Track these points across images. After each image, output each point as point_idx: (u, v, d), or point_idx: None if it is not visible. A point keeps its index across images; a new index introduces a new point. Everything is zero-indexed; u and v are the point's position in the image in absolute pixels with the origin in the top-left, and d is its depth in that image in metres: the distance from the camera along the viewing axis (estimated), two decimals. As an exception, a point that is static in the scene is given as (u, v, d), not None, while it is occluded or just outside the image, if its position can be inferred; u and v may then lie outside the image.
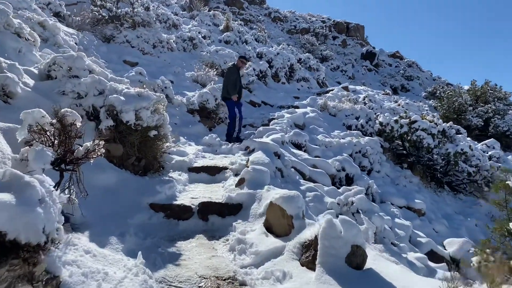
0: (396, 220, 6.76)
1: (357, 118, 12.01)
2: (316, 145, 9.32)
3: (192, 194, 4.56)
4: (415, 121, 10.58)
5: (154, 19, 14.35)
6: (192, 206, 3.88)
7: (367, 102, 14.28)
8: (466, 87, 33.54)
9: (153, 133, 4.97)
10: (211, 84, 10.21)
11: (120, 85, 5.06)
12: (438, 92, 33.08)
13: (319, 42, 38.56)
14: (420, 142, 10.35)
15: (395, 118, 10.98)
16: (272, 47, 19.90)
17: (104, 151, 2.89)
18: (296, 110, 11.47)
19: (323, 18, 52.00)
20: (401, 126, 10.71)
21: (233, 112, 8.57)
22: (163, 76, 9.75)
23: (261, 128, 9.13)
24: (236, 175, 5.77)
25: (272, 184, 4.79)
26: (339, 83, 31.50)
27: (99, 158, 4.50)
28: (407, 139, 10.70)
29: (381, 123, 11.18)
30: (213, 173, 5.78)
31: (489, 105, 26.23)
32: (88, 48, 9.96)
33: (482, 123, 24.11)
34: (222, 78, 13.40)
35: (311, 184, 6.24)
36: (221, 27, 20.21)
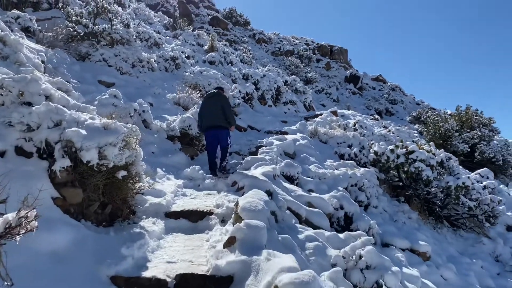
0: (404, 270, 5.91)
1: (349, 146, 11.28)
2: (309, 177, 8.49)
3: (169, 254, 3.61)
4: (412, 151, 9.88)
5: (134, 37, 13.51)
6: (168, 280, 2.92)
7: (358, 128, 13.62)
8: (449, 112, 33.64)
9: (122, 173, 4.04)
10: (194, 108, 9.35)
11: (84, 115, 4.14)
12: (423, 116, 33.02)
13: (303, 64, 38.37)
14: (419, 174, 9.63)
15: (391, 147, 10.27)
16: (258, 68, 19.26)
17: (36, 225, 1.95)
18: (286, 136, 10.67)
19: (307, 40, 52.18)
20: (398, 156, 10.00)
21: (228, 142, 7.72)
22: (141, 99, 8.84)
23: (248, 158, 8.26)
24: (222, 221, 4.86)
25: (269, 238, 3.88)
26: (324, 105, 31.11)
27: (51, 208, 3.54)
28: (404, 170, 9.98)
29: (376, 153, 10.46)
30: (195, 219, 4.84)
31: (474, 131, 26.11)
32: (57, 67, 9.00)
33: (469, 149, 23.87)
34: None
35: (310, 231, 5.36)
36: (205, 47, 19.51)
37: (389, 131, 15.64)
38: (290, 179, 7.92)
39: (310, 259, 4.55)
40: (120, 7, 15.36)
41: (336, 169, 9.47)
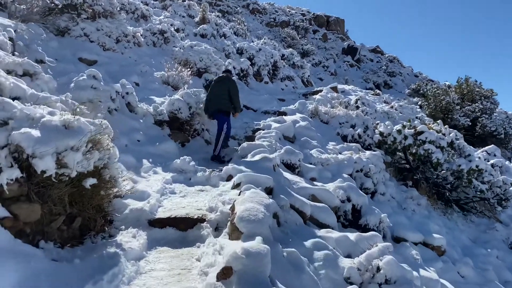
0: (422, 272, 5.27)
1: (352, 127, 10.53)
2: (311, 164, 7.77)
3: (149, 285, 2.90)
4: (421, 132, 9.16)
5: (119, 8, 12.43)
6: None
7: (360, 105, 12.83)
8: (448, 84, 32.80)
9: (90, 182, 3.27)
10: (184, 88, 8.50)
11: (41, 109, 3.33)
12: (422, 89, 32.19)
13: (299, 36, 37.05)
14: (428, 157, 8.94)
15: (397, 127, 9.53)
16: (252, 41, 18.20)
17: None
18: (284, 117, 9.87)
19: (302, 11, 50.48)
20: (405, 138, 9.28)
21: (223, 127, 7.63)
22: (124, 79, 7.96)
23: (245, 144, 7.50)
24: (216, 229, 4.15)
25: (273, 256, 3.15)
26: (321, 79, 30.14)
27: (-3, 232, 2.81)
28: (411, 153, 9.28)
29: (381, 133, 9.72)
30: (184, 227, 4.11)
31: (476, 104, 25.40)
32: (30, 44, 8.04)
33: (470, 123, 23.24)
34: (198, 79, 11.70)
35: (318, 233, 4.70)
36: (196, 19, 18.36)
37: (392, 107, 14.88)
38: (291, 167, 7.20)
39: (320, 273, 3.88)
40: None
41: (340, 153, 8.76)
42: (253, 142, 7.69)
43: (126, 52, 11.37)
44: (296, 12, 48.33)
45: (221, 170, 5.98)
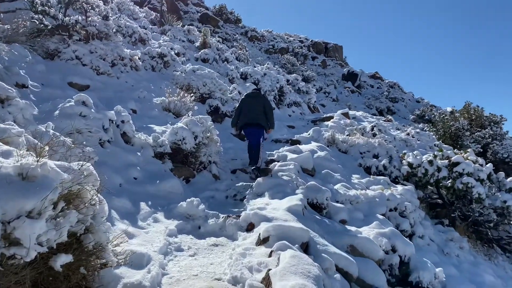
0: None
1: (375, 156, 9.42)
2: (338, 202, 6.62)
3: None
4: (457, 163, 8.06)
5: (115, 30, 11.47)
6: None
7: (376, 132, 11.78)
8: (449, 109, 32.04)
9: (61, 261, 2.10)
10: (188, 115, 7.39)
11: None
12: (427, 115, 31.43)
13: (299, 62, 36.49)
14: (467, 191, 7.81)
15: (428, 158, 8.43)
16: (255, 67, 17.32)
17: None
18: (300, 146, 8.76)
19: (300, 38, 50.34)
20: (439, 169, 8.17)
21: (260, 141, 7.49)
22: (119, 106, 6.87)
23: (260, 180, 6.40)
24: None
25: None
26: (323, 105, 29.26)
27: None
28: (446, 186, 8.15)
29: (410, 165, 8.61)
30: (199, 312, 2.91)
31: (486, 130, 24.55)
32: (11, 66, 6.98)
33: (481, 150, 22.28)
34: (201, 105, 10.64)
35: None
36: (197, 44, 17.52)
37: (408, 134, 13.84)
38: (317, 208, 6.04)
39: None
40: (101, 1, 13.31)
41: (367, 188, 7.62)
42: (269, 177, 6.56)
43: (122, 77, 10.34)
44: (294, 39, 48.14)
45: (238, 216, 4.79)
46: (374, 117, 16.96)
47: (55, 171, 2.07)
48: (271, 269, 3.05)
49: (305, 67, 36.19)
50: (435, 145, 14.05)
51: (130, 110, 8.37)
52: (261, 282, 3.06)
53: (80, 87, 8.79)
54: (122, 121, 6.63)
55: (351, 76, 40.03)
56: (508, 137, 27.31)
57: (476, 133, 23.60)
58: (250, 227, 4.49)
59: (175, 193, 5.75)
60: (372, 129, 12.04)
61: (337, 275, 3.73)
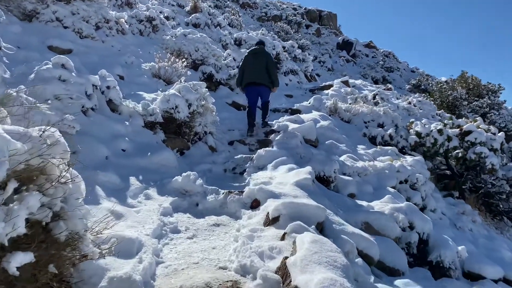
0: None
1: (380, 126, 8.89)
2: (345, 175, 6.13)
3: None
4: (469, 132, 7.57)
5: (98, -10, 10.55)
6: None
7: (379, 101, 11.22)
8: (444, 79, 31.64)
9: (17, 262, 1.53)
10: (180, 81, 6.71)
11: None
12: (423, 84, 30.88)
13: (293, 30, 35.37)
14: (479, 162, 7.35)
15: (438, 127, 7.92)
16: (249, 33, 16.45)
17: None
18: (301, 116, 8.17)
19: (294, 5, 48.73)
20: (449, 139, 7.68)
21: (268, 98, 7.76)
22: (104, 70, 6.16)
23: (262, 151, 5.83)
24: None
25: None
26: (318, 75, 28.45)
27: None
28: (456, 157, 7.68)
29: (418, 134, 8.10)
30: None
31: (484, 99, 24.18)
32: (-21, 25, 6.22)
33: (477, 119, 21.94)
34: (194, 72, 9.94)
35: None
36: (187, 8, 16.53)
37: (409, 103, 13.30)
38: (325, 181, 5.53)
39: None
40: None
41: (374, 159, 7.12)
42: (272, 149, 6.00)
43: (108, 41, 9.53)
44: (287, 7, 46.61)
45: (241, 192, 4.24)
46: (374, 85, 16.35)
47: (4, 137, 1.47)
48: (287, 257, 2.53)
49: (299, 35, 35.11)
50: (437, 114, 13.57)
51: (117, 76, 7.66)
52: (276, 273, 2.55)
53: (61, 51, 8.00)
54: (108, 87, 5.95)
55: (346, 45, 39.08)
56: (505, 107, 27.06)
57: (473, 103, 23.24)
58: (255, 204, 3.95)
59: (169, 167, 5.18)
60: (374, 98, 11.47)
61: (359, 260, 3.25)
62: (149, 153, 5.20)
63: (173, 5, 16.48)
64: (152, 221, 3.47)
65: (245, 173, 5.65)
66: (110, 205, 3.52)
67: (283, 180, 4.46)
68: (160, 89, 7.51)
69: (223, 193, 4.27)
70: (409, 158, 7.06)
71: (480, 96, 24.56)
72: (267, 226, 3.33)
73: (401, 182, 6.53)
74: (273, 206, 3.36)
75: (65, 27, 8.95)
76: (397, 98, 15.85)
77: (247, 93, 7.59)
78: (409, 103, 13.18)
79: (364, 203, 5.20)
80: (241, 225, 3.51)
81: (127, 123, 5.69)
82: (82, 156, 4.43)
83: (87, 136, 4.79)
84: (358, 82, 15.51)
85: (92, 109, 5.42)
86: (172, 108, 6.17)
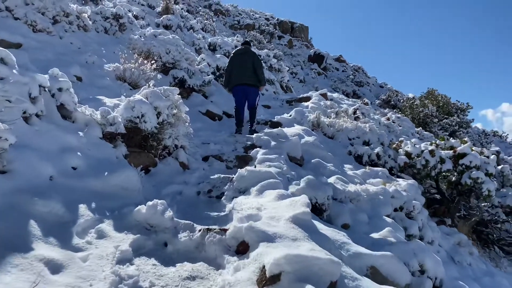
0: None
1: (366, 143, 8.22)
2: (337, 200, 5.35)
3: None
4: (464, 155, 7.01)
5: (58, -20, 9.39)
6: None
7: (360, 116, 10.63)
8: (411, 95, 32.16)
9: None
10: (148, 86, 5.74)
11: None
12: (393, 100, 31.06)
13: (265, 40, 34.88)
14: (474, 187, 6.80)
15: (429, 147, 7.34)
16: (224, 38, 15.62)
17: None
18: (284, 130, 7.36)
19: (266, 15, 48.44)
20: (442, 161, 7.10)
21: (256, 102, 7.69)
22: (57, 69, 5.10)
23: (244, 171, 4.95)
24: None
25: None
26: (292, 86, 28.06)
27: None
28: (449, 181, 7.11)
29: (408, 155, 7.48)
30: None
31: (453, 117, 24.48)
32: None
33: (449, 137, 22.08)
34: (164, 76, 8.97)
35: None
36: (158, 9, 15.51)
37: (388, 119, 12.83)
38: (317, 209, 4.73)
39: None
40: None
41: (364, 182, 6.40)
42: (255, 169, 5.14)
43: (67, 37, 8.41)
44: (260, 16, 46.28)
45: (223, 230, 3.33)
46: (351, 99, 15.88)
47: None
48: None
49: (272, 45, 34.65)
50: (416, 132, 13.21)
51: (74, 77, 6.62)
52: None
53: (8, 44, 6.87)
54: (60, 89, 4.90)
55: (318, 58, 39.00)
56: (472, 125, 27.63)
57: (443, 120, 23.41)
58: (242, 249, 3.07)
59: (130, 190, 4.20)
60: (355, 112, 10.88)
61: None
62: (106, 173, 4.20)
63: (143, 4, 15.43)
64: (104, 276, 2.52)
65: (224, 197, 4.78)
66: (44, 252, 2.55)
67: (275, 212, 3.60)
68: (124, 94, 6.52)
69: (199, 231, 3.35)
70: (402, 182, 6.39)
71: (449, 114, 24.85)
72: (263, 286, 2.45)
73: (395, 210, 5.83)
74: (272, 259, 2.48)
75: (16, 18, 7.81)
76: (382, 114, 15.45)
77: (234, 94, 7.59)
78: (388, 119, 12.71)
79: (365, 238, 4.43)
80: (226, 282, 2.61)
81: (81, 133, 4.67)
82: (17, 177, 3.43)
83: (27, 150, 3.77)
84: (335, 95, 14.98)
85: (37, 115, 4.38)
86: (138, 117, 5.19)
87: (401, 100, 29.18)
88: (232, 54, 7.81)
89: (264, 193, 4.43)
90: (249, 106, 7.60)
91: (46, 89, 4.67)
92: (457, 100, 25.37)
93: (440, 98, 25.32)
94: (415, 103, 23.68)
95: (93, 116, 5.03)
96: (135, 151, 5.15)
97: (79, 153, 4.29)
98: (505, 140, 31.44)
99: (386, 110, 28.34)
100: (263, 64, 8.42)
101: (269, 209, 3.75)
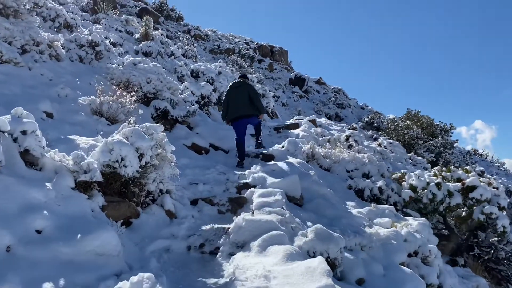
0: None
1: (366, 176, 7.67)
2: (347, 249, 4.71)
3: None
4: (473, 187, 6.52)
5: (28, 7, 8.71)
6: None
7: (353, 144, 10.14)
8: (392, 116, 32.24)
9: None
10: (129, 122, 5.06)
11: None
12: (376, 122, 31.02)
13: (246, 64, 34.67)
14: (487, 223, 6.28)
15: (435, 180, 6.82)
16: (208, 65, 15.09)
17: None
18: (279, 164, 6.74)
19: (246, 40, 48.50)
20: (450, 195, 6.58)
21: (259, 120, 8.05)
22: (21, 108, 4.37)
23: (241, 221, 4.32)
24: None
25: None
26: (276, 112, 27.68)
27: None
28: (459, 216, 6.58)
29: (413, 188, 6.94)
30: None
31: (438, 138, 24.44)
32: None
33: (434, 159, 21.95)
34: (145, 107, 8.29)
35: None
36: (137, 35, 14.93)
37: (380, 145, 12.41)
38: (330, 266, 4.06)
39: None
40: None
41: (371, 222, 5.79)
42: (254, 218, 4.47)
43: (37, 68, 7.68)
44: (239, 41, 46.26)
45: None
46: (338, 124, 15.47)
47: None
48: None
49: (253, 69, 34.46)
50: (409, 157, 12.81)
51: (44, 114, 5.89)
52: None
53: (-33, 78, 6.11)
54: (24, 132, 4.17)
55: (299, 81, 38.96)
56: (456, 146, 27.74)
57: (428, 142, 23.30)
58: None
59: (109, 255, 3.46)
60: (347, 140, 10.39)
61: None
62: (79, 235, 3.45)
63: (120, 31, 14.83)
64: None
65: (219, 253, 4.10)
66: None
67: (288, 284, 2.93)
68: (102, 132, 5.80)
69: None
70: (412, 222, 5.81)
71: (433, 135, 24.82)
72: None
73: (409, 255, 5.23)
74: None
75: (-21, 48, 7.03)
76: (373, 138, 15.07)
77: (234, 127, 7.70)
78: (379, 145, 12.28)
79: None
80: None
81: (49, 185, 3.92)
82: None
83: None
84: (323, 120, 14.57)
85: (-6, 165, 3.64)
86: (117, 161, 4.47)
87: (384, 122, 29.15)
88: (228, 87, 8.03)
89: (268, 249, 3.78)
90: (255, 126, 8.11)
91: (6, 134, 3.94)
92: (440, 121, 25.44)
93: (424, 120, 25.34)
94: (399, 125, 23.54)
95: (64, 162, 4.29)
96: (113, 201, 4.42)
97: (45, 212, 3.54)
98: (486, 158, 31.72)
99: (370, 133, 28.23)
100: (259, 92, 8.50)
101: (280, 278, 3.08)
